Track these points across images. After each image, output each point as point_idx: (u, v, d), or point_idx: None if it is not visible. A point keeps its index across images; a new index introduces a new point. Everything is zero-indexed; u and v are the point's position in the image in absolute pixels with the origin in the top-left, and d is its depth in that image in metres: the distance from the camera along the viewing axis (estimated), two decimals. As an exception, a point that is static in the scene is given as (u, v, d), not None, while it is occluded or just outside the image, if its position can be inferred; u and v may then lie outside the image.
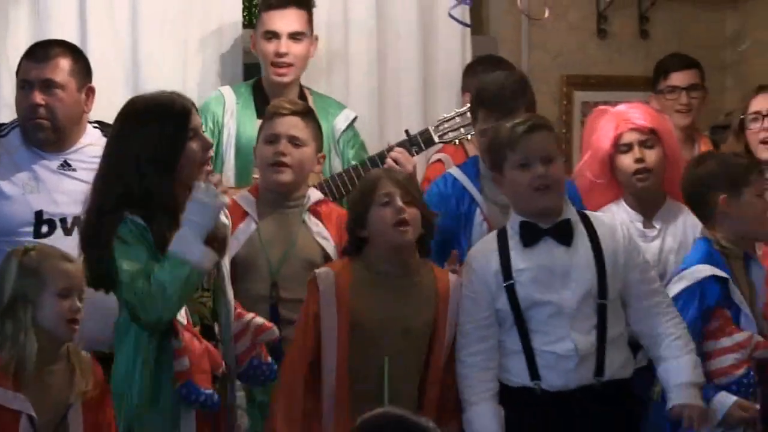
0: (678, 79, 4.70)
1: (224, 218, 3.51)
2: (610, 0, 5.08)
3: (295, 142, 3.92)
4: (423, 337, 3.67)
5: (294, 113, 3.98)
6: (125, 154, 3.38)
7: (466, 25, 4.66)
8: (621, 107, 4.05)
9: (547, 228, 3.59)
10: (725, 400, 3.50)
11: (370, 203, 3.67)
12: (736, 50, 5.42)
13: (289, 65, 4.35)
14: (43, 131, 3.86)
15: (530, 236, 3.60)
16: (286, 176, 3.92)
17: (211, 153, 3.53)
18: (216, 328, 3.48)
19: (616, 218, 3.90)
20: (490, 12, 5.28)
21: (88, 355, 3.30)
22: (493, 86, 4.11)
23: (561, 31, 5.26)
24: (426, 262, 3.74)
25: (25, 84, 3.84)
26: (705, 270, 3.67)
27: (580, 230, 3.64)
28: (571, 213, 3.66)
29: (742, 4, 5.50)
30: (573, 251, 3.59)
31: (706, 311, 3.65)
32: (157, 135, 3.41)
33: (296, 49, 4.35)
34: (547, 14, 4.51)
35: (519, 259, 3.60)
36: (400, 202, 3.60)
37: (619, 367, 3.57)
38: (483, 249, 3.71)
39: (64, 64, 3.85)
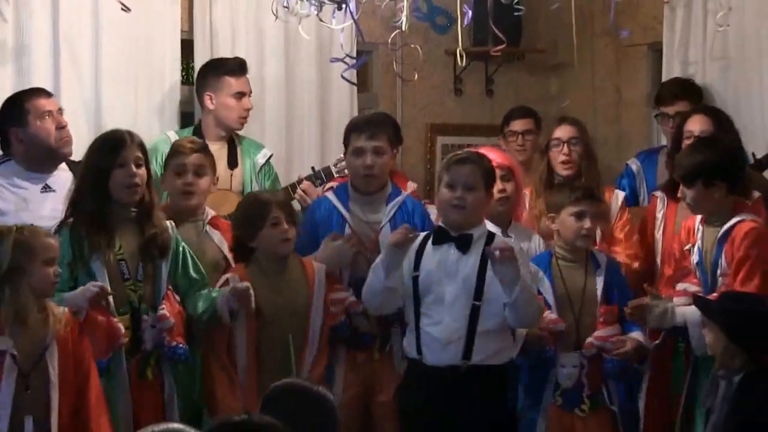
0: (516, 125, 5.23)
1: (170, 228, 3.98)
2: (463, 66, 5.54)
3: (198, 172, 4.26)
4: (304, 313, 4.10)
5: (198, 150, 4.29)
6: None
7: (353, 84, 5.04)
8: (482, 150, 4.30)
9: (454, 236, 3.94)
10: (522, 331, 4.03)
11: (260, 223, 4.06)
12: (558, 106, 5.79)
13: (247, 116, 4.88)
14: (70, 146, 4.34)
15: (439, 238, 3.97)
16: (195, 200, 4.28)
17: (137, 181, 3.87)
18: (151, 316, 3.86)
19: (521, 243, 4.22)
20: (373, 74, 5.81)
21: (60, 306, 3.61)
22: (364, 116, 4.68)
23: (426, 89, 5.83)
24: (293, 255, 4.16)
25: (49, 114, 4.29)
26: None
27: (480, 244, 3.92)
28: (478, 231, 3.96)
29: (563, 71, 6.07)
30: (465, 258, 3.91)
31: None
32: (89, 162, 3.93)
33: (251, 104, 4.90)
34: (416, 77, 4.66)
35: (428, 255, 3.95)
36: (285, 225, 4.07)
37: (490, 354, 3.90)
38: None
39: None
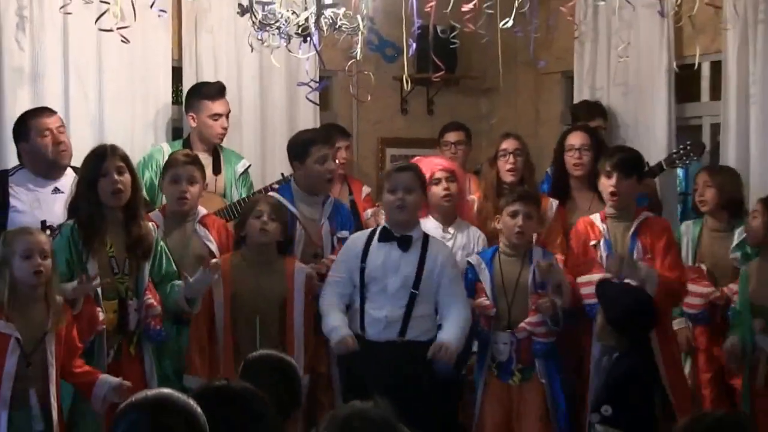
0: (450, 137, 5.65)
1: (152, 231, 4.19)
2: (408, 90, 5.59)
3: (191, 181, 4.49)
4: (278, 303, 4.26)
5: (190, 162, 4.53)
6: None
7: (317, 104, 5.38)
8: (432, 158, 4.70)
9: (397, 236, 4.22)
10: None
11: (249, 214, 4.31)
12: (488, 123, 6.31)
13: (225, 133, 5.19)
14: (68, 158, 4.59)
15: (385, 237, 4.25)
16: (187, 206, 4.51)
17: (120, 186, 4.04)
18: (134, 302, 4.12)
19: (449, 243, 4.42)
20: (333, 96, 6.19)
21: (60, 299, 3.80)
22: (316, 130, 4.91)
23: (378, 108, 6.18)
24: (281, 255, 4.39)
25: (48, 131, 4.53)
26: (467, 259, 4.49)
27: (418, 244, 4.20)
28: (417, 232, 4.23)
29: (491, 94, 6.45)
30: (406, 255, 4.19)
31: (472, 282, 4.45)
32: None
33: (227, 123, 5.21)
34: (369, 98, 4.93)
35: (374, 250, 4.23)
36: (266, 217, 4.27)
37: (420, 333, 4.20)
38: (359, 236, 4.36)
39: None
